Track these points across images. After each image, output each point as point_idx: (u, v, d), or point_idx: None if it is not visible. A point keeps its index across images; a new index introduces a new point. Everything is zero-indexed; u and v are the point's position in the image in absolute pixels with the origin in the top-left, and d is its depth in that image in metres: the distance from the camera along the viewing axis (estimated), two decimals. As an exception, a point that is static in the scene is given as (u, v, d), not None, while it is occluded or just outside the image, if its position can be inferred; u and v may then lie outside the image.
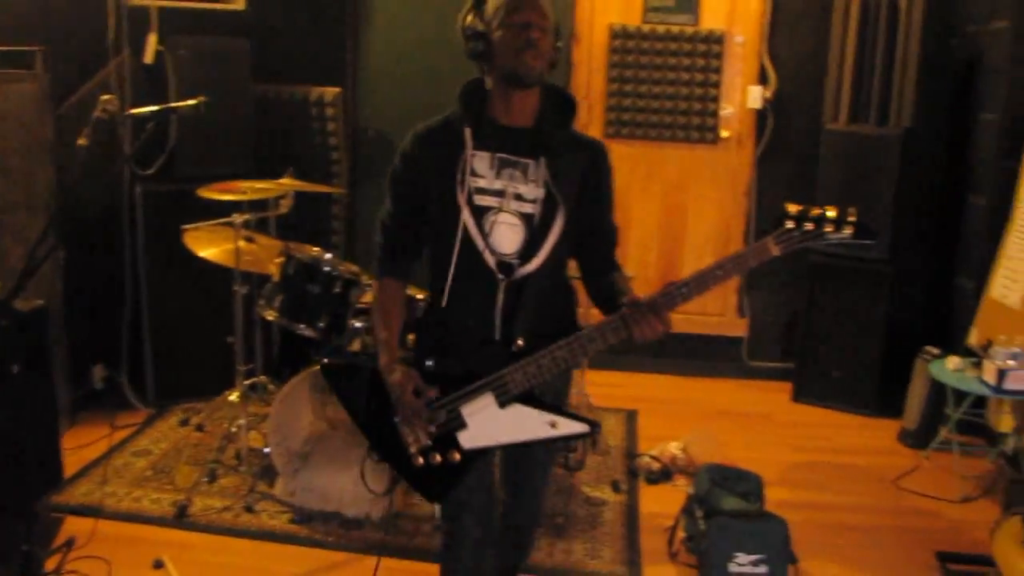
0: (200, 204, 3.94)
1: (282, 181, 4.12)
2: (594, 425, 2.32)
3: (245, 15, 4.69)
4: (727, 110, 5.26)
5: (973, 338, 4.36)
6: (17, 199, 4.00)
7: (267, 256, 4.01)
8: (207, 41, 4.57)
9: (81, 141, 2.80)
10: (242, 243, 3.87)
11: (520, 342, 2.26)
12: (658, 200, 5.42)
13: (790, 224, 2.13)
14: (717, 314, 5.47)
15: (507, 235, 2.30)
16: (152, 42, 4.45)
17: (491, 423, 2.28)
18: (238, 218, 3.80)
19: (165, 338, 4.66)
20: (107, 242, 4.65)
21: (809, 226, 2.11)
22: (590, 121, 5.33)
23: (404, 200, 2.40)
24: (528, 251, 2.30)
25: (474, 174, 2.29)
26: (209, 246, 3.95)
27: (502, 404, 2.26)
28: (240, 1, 4.64)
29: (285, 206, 4.13)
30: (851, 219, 2.10)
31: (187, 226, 3.97)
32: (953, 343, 4.58)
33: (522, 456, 2.52)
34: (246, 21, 4.73)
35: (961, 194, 4.88)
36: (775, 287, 5.40)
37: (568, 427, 2.28)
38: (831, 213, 2.10)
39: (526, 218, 2.31)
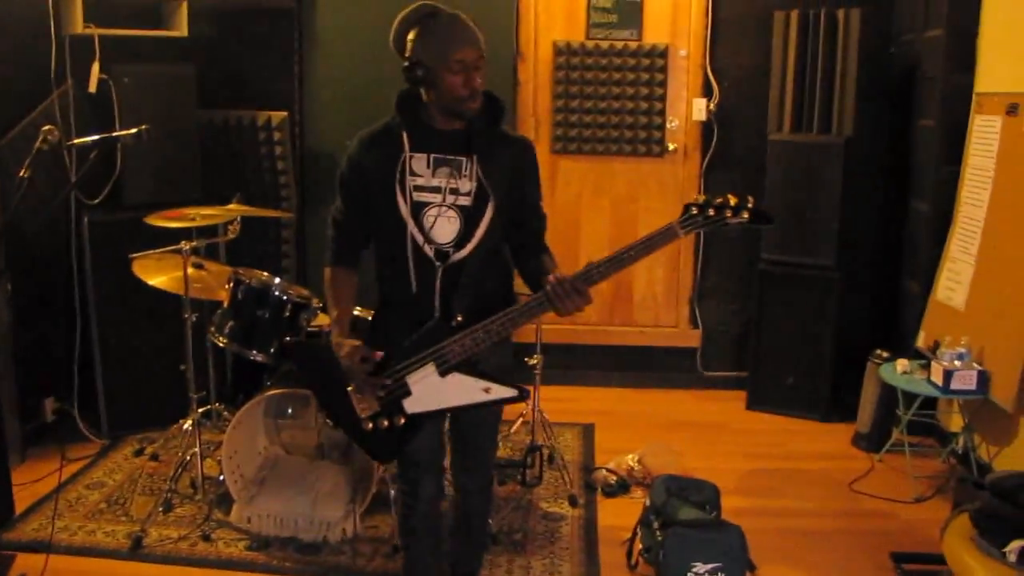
0: (148, 232, 3.92)
1: (230, 207, 4.11)
2: (522, 391, 2.57)
3: (189, 41, 4.67)
4: (673, 123, 5.32)
5: (921, 340, 4.45)
6: (-40, 233, 3.95)
7: (217, 282, 4.00)
8: (151, 68, 4.56)
9: (23, 173, 2.77)
10: (191, 270, 3.84)
11: (459, 318, 2.52)
12: (608, 214, 5.47)
13: (694, 210, 2.38)
14: (670, 326, 5.52)
15: (444, 226, 2.57)
16: (95, 71, 4.42)
17: (433, 390, 2.56)
18: (186, 245, 3.78)
19: (117, 368, 4.60)
20: (55, 273, 4.60)
21: (711, 212, 2.36)
22: (537, 138, 5.36)
23: (352, 199, 2.67)
24: (462, 239, 2.58)
25: (413, 173, 2.56)
26: (158, 274, 3.93)
27: (442, 373, 2.54)
28: (183, 28, 4.62)
29: (234, 231, 4.11)
30: (748, 205, 2.36)
31: (135, 254, 3.94)
32: (902, 346, 4.66)
33: (468, 419, 2.80)
34: (190, 47, 4.72)
35: (904, 199, 4.97)
36: (727, 297, 5.46)
37: (500, 392, 2.56)
38: (732, 201, 2.36)
39: (461, 209, 2.57)
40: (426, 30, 2.49)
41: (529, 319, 2.51)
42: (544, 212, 2.78)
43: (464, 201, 2.57)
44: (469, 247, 2.57)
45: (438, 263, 2.57)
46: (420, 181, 2.56)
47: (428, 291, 2.58)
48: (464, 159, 2.56)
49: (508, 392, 2.57)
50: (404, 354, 2.57)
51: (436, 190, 2.56)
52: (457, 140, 2.57)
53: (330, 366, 2.61)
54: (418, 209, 2.56)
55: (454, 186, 2.56)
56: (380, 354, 2.57)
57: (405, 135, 2.56)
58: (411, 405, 2.59)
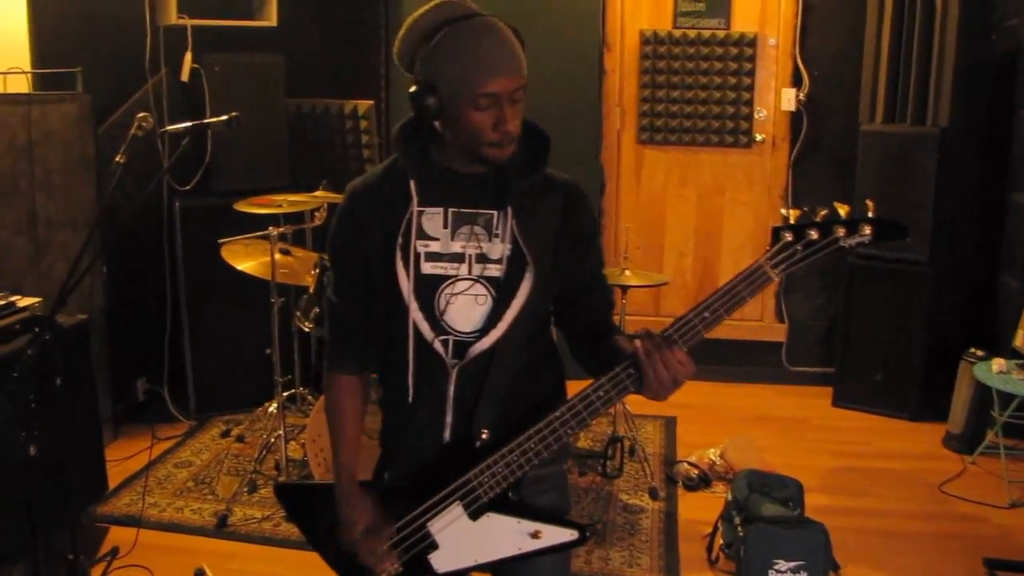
0: (237, 218, 4.02)
1: (317, 193, 4.17)
2: (584, 530, 1.88)
3: (278, 31, 4.75)
4: (761, 113, 5.22)
5: (1019, 339, 4.28)
6: (61, 217, 4.08)
7: (303, 268, 4.05)
8: (241, 58, 4.66)
9: (118, 159, 2.84)
10: (278, 256, 3.91)
11: (484, 435, 1.84)
12: (693, 205, 5.40)
13: (788, 236, 1.67)
14: (755, 319, 5.43)
15: (468, 310, 1.85)
16: (187, 60, 4.54)
17: (466, 539, 1.88)
18: (274, 231, 3.84)
19: (205, 351, 4.73)
20: (147, 257, 4.73)
21: (814, 234, 1.66)
22: (623, 128, 5.33)
23: (349, 274, 1.94)
24: (491, 324, 1.84)
25: (424, 236, 1.84)
26: (246, 259, 4.00)
27: (473, 515, 1.86)
28: (272, 18, 4.70)
29: (320, 218, 4.18)
30: (869, 216, 1.66)
31: (224, 240, 4.02)
32: (998, 344, 4.49)
33: None
34: (279, 37, 4.79)
35: (1003, 192, 4.80)
36: (814, 291, 5.34)
37: (553, 535, 1.87)
38: (842, 212, 1.66)
39: (493, 283, 1.85)
40: (445, 44, 1.72)
41: (592, 416, 1.78)
42: (608, 282, 2.03)
43: (495, 271, 1.84)
44: (495, 334, 1.83)
45: (453, 360, 1.85)
46: (435, 247, 1.84)
47: (435, 400, 1.87)
48: (495, 213, 1.84)
49: (565, 534, 1.87)
50: (419, 490, 1.89)
51: (457, 258, 1.84)
52: (484, 187, 1.85)
53: (332, 514, 1.98)
54: (430, 286, 1.84)
55: (481, 251, 1.84)
56: (390, 529, 1.91)
57: (412, 183, 1.83)
58: (440, 562, 1.90)
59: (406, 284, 1.83)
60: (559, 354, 2.03)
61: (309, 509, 2.08)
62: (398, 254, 1.83)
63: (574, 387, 1.86)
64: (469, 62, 1.70)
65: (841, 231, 1.65)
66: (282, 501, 2.19)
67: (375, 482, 2.01)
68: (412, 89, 1.78)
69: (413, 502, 1.89)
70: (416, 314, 1.84)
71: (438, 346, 1.84)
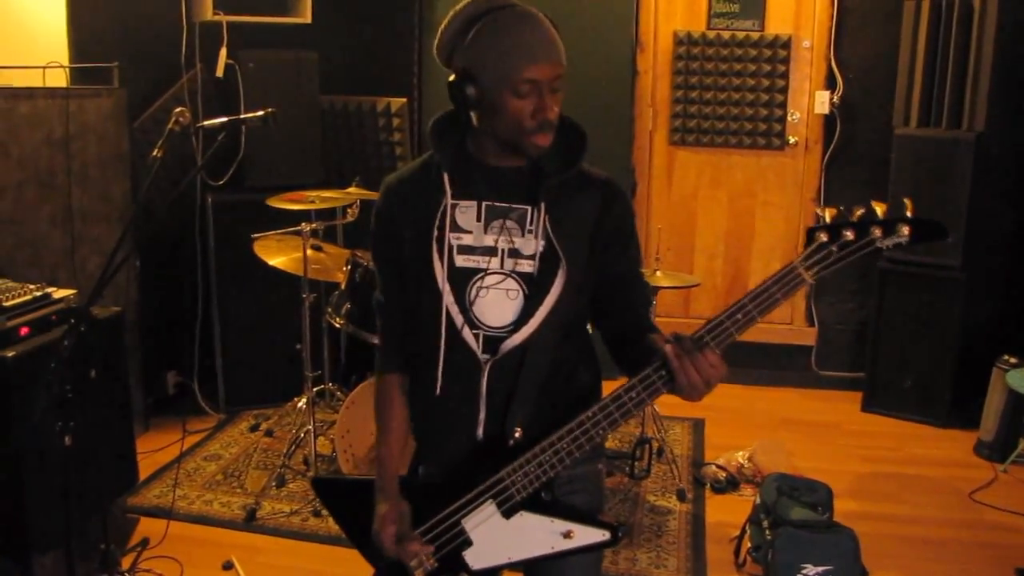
0: (269, 213, 4.03)
1: (349, 190, 4.19)
2: (616, 531, 1.87)
3: (312, 28, 4.77)
4: (794, 115, 5.19)
5: (1052, 347, 4.24)
6: (96, 210, 4.12)
7: (335, 264, 4.08)
8: (275, 54, 4.68)
9: (156, 153, 2.87)
10: (310, 251, 3.93)
11: (518, 433, 1.83)
12: (725, 207, 5.37)
13: (823, 237, 1.61)
14: (785, 323, 5.40)
15: (498, 304, 1.85)
16: (222, 56, 4.57)
17: (499, 537, 1.89)
18: (306, 227, 3.86)
19: (235, 345, 4.76)
20: (180, 252, 4.77)
21: (849, 235, 1.60)
22: (655, 129, 5.32)
23: (390, 267, 1.95)
24: (523, 320, 1.84)
25: (457, 229, 1.85)
26: (278, 255, 4.03)
27: (507, 514, 1.86)
28: (307, 15, 4.73)
29: (352, 215, 4.20)
30: (908, 215, 1.60)
31: (256, 235, 4.05)
32: (1032, 352, 4.45)
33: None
34: (313, 34, 4.82)
35: (1039, 198, 4.75)
36: (844, 295, 5.31)
37: (585, 535, 1.86)
38: (879, 212, 1.60)
39: (524, 279, 1.84)
40: (485, 33, 1.74)
41: (624, 417, 1.77)
42: (646, 280, 2.01)
43: (527, 267, 1.84)
44: (527, 331, 1.82)
45: (484, 356, 1.84)
46: (467, 239, 1.85)
47: (468, 396, 1.86)
48: (528, 208, 1.84)
49: (597, 535, 1.86)
50: (453, 487, 1.88)
51: (489, 251, 1.84)
52: (518, 182, 1.85)
53: (371, 509, 1.96)
54: (462, 279, 1.84)
55: (514, 246, 1.84)
56: (417, 545, 1.89)
57: (446, 176, 1.85)
58: (474, 559, 1.91)
59: (440, 275, 1.83)
60: (595, 352, 2.01)
61: (344, 503, 2.11)
62: (433, 246, 1.83)
63: (611, 386, 1.84)
64: (510, 49, 1.72)
65: (878, 231, 1.60)
66: (319, 494, 2.22)
67: (410, 477, 2.02)
68: (451, 79, 1.78)
69: (448, 498, 1.88)
70: (451, 307, 1.84)
71: (469, 338, 1.84)
